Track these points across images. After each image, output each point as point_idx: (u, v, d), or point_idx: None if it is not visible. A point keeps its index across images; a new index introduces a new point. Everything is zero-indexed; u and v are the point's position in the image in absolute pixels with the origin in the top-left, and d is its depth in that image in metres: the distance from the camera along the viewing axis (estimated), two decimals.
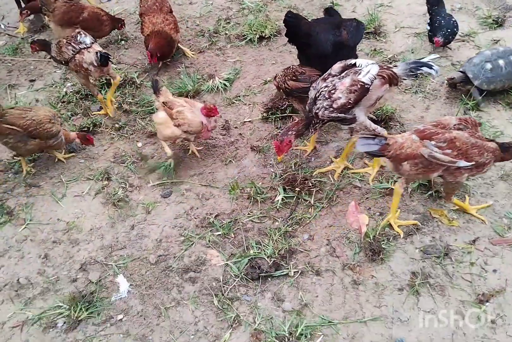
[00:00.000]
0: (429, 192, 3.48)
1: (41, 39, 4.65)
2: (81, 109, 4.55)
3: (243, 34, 5.13)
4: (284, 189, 3.62)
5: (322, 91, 3.25)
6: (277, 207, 3.56)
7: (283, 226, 3.43)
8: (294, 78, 3.76)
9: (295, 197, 3.59)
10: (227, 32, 5.24)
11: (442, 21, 4.40)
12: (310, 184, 3.63)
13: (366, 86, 3.18)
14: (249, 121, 4.27)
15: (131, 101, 4.58)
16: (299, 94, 3.76)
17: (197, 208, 3.67)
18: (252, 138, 4.12)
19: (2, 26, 5.88)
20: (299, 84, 3.74)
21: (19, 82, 5.00)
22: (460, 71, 4.08)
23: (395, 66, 3.35)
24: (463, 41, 4.66)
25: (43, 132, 3.70)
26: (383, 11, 5.12)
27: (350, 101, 3.19)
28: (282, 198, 3.57)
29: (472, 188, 3.52)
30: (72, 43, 4.17)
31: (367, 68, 3.22)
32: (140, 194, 3.82)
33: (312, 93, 3.34)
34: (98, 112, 4.51)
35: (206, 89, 4.58)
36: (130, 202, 3.76)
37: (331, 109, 3.22)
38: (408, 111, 4.11)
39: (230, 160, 3.96)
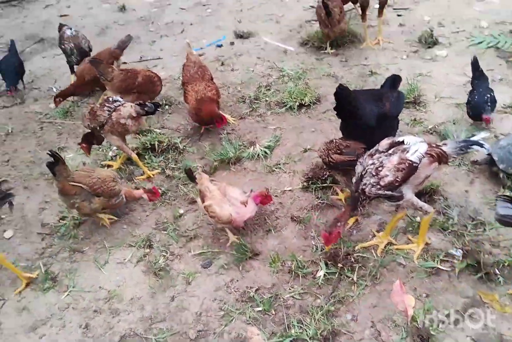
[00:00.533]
0: (479, 274, 3.36)
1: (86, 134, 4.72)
2: (126, 174, 4.70)
3: (283, 101, 5.28)
4: (326, 264, 3.57)
5: (369, 168, 3.25)
6: (319, 283, 3.49)
7: (325, 304, 3.33)
8: (338, 151, 3.78)
9: (337, 273, 3.52)
10: (267, 99, 5.41)
11: (477, 97, 4.46)
12: (353, 259, 3.57)
13: (414, 165, 3.18)
14: (290, 190, 4.30)
15: (174, 166, 4.71)
16: (344, 167, 3.76)
17: (237, 281, 3.63)
18: (292, 208, 4.13)
19: (54, 89, 6.26)
20: (344, 158, 3.74)
21: (68, 145, 5.25)
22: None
23: (444, 144, 3.35)
24: (505, 112, 4.65)
25: (107, 191, 3.90)
26: (422, 81, 5.21)
27: (397, 179, 3.18)
28: (324, 274, 3.52)
29: None
30: (106, 105, 4.42)
31: (415, 146, 3.22)
32: (181, 263, 3.82)
33: (359, 169, 3.34)
34: (141, 177, 4.64)
35: (247, 156, 4.68)
36: (171, 271, 3.76)
37: (378, 186, 3.21)
38: (451, 185, 4.07)
39: (270, 230, 3.96)
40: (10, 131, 5.53)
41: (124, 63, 6.48)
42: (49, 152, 3.84)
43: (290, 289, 3.49)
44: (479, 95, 4.44)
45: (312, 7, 6.95)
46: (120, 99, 4.46)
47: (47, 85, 6.35)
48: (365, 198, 3.32)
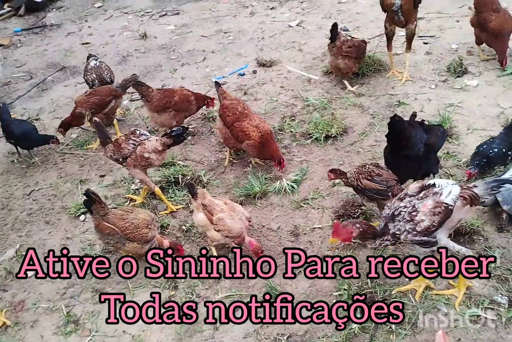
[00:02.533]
0: None
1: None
2: (148, 208, 4.57)
3: (308, 132, 5.17)
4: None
5: (402, 211, 3.11)
6: (355, 332, 3.29)
7: None
8: (369, 178, 3.72)
9: (374, 321, 3.32)
10: (292, 129, 5.30)
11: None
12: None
13: (450, 207, 3.06)
14: (319, 227, 4.14)
15: None
16: (372, 194, 3.73)
17: (267, 326, 3.45)
18: (322, 247, 3.96)
19: None
20: (374, 185, 3.70)
21: (89, 177, 5.16)
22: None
23: (475, 186, 3.21)
24: None
25: (138, 237, 3.74)
26: (453, 112, 5.06)
27: (434, 224, 3.04)
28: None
29: None
30: (132, 138, 4.33)
31: (447, 188, 3.10)
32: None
33: (386, 212, 3.21)
34: (165, 211, 4.52)
35: (273, 190, 4.54)
36: (198, 314, 3.60)
37: (415, 232, 3.06)
38: (492, 224, 3.87)
39: (300, 271, 3.79)
40: (32, 162, 5.47)
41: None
42: (85, 193, 3.80)
43: (323, 338, 3.30)
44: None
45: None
46: (147, 133, 4.39)
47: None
48: (393, 242, 3.18)
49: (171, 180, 4.77)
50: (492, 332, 3.17)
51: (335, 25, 5.61)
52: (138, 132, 4.35)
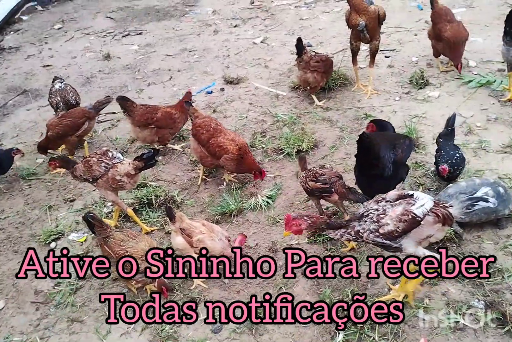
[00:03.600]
0: (506, 327, 3.21)
1: (62, 156, 4.76)
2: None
3: (280, 147, 5.20)
4: (345, 324, 3.38)
5: (371, 213, 3.18)
6: None
7: None
8: (314, 179, 3.97)
9: (358, 332, 3.33)
10: (263, 145, 5.33)
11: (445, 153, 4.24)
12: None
13: (417, 218, 3.08)
14: (296, 243, 4.14)
15: None
16: (319, 193, 3.98)
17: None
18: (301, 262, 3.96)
19: None
20: (319, 185, 3.94)
21: (58, 202, 5.02)
22: None
23: (451, 206, 3.20)
24: (505, 152, 4.65)
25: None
26: (419, 122, 5.21)
27: (398, 229, 3.08)
28: (343, 335, 3.32)
29: None
30: (104, 160, 4.25)
31: (421, 201, 3.14)
32: (189, 329, 3.58)
33: (361, 210, 3.30)
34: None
35: (248, 207, 4.53)
36: (179, 338, 3.52)
37: (377, 233, 3.11)
38: (464, 231, 3.98)
39: (281, 288, 3.77)
40: None
41: (113, 113, 6.40)
42: (83, 218, 3.81)
43: None
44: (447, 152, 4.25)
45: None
46: (120, 155, 4.32)
47: (33, 139, 6.16)
48: (356, 238, 3.20)
49: (144, 201, 4.69)
50: (472, 337, 3.22)
51: (299, 40, 5.73)
52: (110, 154, 4.27)
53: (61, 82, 5.88)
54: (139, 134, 5.33)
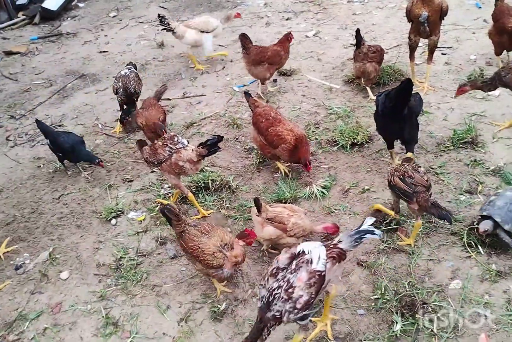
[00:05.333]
0: None
1: (143, 140, 4.88)
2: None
3: (334, 139, 5.24)
4: (402, 314, 3.42)
5: (276, 293, 2.89)
6: (397, 335, 3.33)
7: None
8: (401, 177, 3.79)
9: (416, 324, 3.36)
10: (317, 137, 5.37)
11: None
12: (430, 309, 3.43)
13: (323, 274, 2.95)
14: None
15: (228, 206, 4.64)
16: (399, 193, 3.81)
17: (309, 329, 3.49)
18: (357, 252, 4.00)
19: (100, 126, 6.29)
20: (403, 186, 3.76)
21: (117, 182, 5.20)
22: (483, 216, 3.81)
23: (340, 241, 3.11)
24: None
25: (204, 262, 3.60)
26: (478, 121, 5.16)
27: (312, 295, 2.90)
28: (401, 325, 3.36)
29: None
30: (169, 144, 4.36)
31: (315, 253, 2.99)
32: (246, 309, 3.69)
33: (262, 293, 2.96)
34: (196, 216, 4.56)
35: (303, 196, 4.59)
36: (236, 317, 3.63)
37: (296, 310, 2.87)
38: None
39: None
40: (58, 167, 5.51)
41: (168, 99, 6.56)
42: (161, 211, 3.81)
43: (365, 340, 3.34)
44: None
45: (352, 45, 7.02)
46: (185, 141, 4.41)
47: (92, 121, 6.38)
48: (276, 324, 2.96)
49: (201, 185, 4.82)
50: None
51: (358, 31, 5.78)
52: (176, 139, 4.38)
53: (129, 69, 6.05)
54: (254, 71, 6.06)
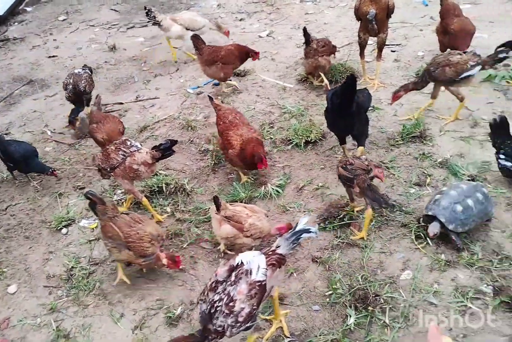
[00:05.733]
0: None
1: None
2: None
3: (288, 138, 5.25)
4: (356, 307, 3.45)
5: (218, 306, 2.81)
6: (351, 328, 3.36)
7: None
8: (343, 166, 3.99)
9: (369, 316, 3.40)
10: (271, 136, 5.38)
11: None
12: (382, 300, 3.47)
13: (263, 283, 2.89)
14: None
15: (183, 209, 4.58)
16: (344, 181, 4.02)
17: (264, 329, 3.46)
18: (312, 249, 4.02)
19: (49, 132, 6.10)
20: (344, 173, 3.95)
21: (68, 190, 5.05)
22: (428, 215, 3.88)
23: (278, 247, 3.08)
24: None
25: (138, 249, 3.63)
26: (425, 115, 5.28)
27: (254, 307, 2.85)
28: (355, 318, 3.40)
29: None
30: (122, 149, 4.27)
31: (255, 263, 2.92)
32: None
33: (203, 307, 2.89)
34: None
35: (258, 196, 4.58)
36: (192, 321, 3.58)
37: (239, 324, 2.82)
38: None
39: (292, 273, 3.84)
40: (5, 177, 5.31)
41: (121, 103, 6.44)
42: (85, 195, 3.77)
43: (320, 336, 3.35)
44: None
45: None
46: (138, 144, 4.32)
47: (41, 128, 6.18)
48: (218, 337, 2.89)
49: (154, 189, 4.74)
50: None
51: (305, 29, 5.94)
52: (129, 143, 4.29)
53: (83, 70, 5.96)
54: (208, 71, 6.06)
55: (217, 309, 2.81)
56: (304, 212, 4.40)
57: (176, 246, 4.20)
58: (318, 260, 3.89)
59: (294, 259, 3.94)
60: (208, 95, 5.15)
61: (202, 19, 7.12)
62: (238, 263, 2.94)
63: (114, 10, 9.54)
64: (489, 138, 4.85)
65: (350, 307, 3.47)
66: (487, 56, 4.88)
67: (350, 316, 3.41)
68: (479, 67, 4.80)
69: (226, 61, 5.97)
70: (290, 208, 4.45)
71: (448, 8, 5.96)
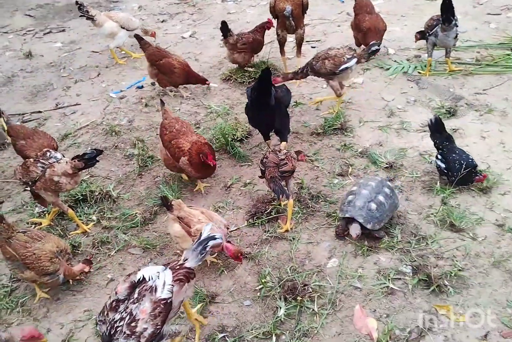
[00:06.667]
0: (431, 288, 3.48)
1: None
2: (57, 230, 4.35)
3: (215, 137, 5.25)
4: (285, 299, 3.51)
5: (118, 326, 2.63)
6: (281, 319, 3.41)
7: (291, 340, 3.27)
8: (262, 160, 4.15)
9: (298, 306, 3.48)
10: None
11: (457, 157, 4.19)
12: (311, 290, 3.56)
13: (169, 300, 2.74)
14: (236, 229, 4.22)
15: (110, 216, 4.46)
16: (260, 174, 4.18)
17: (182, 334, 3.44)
18: (241, 245, 4.04)
19: None
20: (260, 166, 4.16)
21: None
22: (345, 217, 3.91)
23: (186, 260, 2.98)
24: (424, 131, 4.99)
25: (38, 269, 3.50)
26: (345, 107, 5.47)
27: (158, 326, 2.70)
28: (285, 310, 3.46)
29: (468, 279, 3.56)
30: (41, 160, 4.11)
31: (160, 280, 2.78)
32: None
33: (102, 328, 2.71)
34: (76, 231, 4.33)
35: (186, 196, 4.56)
36: None
37: None
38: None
39: (222, 271, 3.85)
40: None
41: (39, 112, 6.18)
42: None
43: (252, 330, 3.38)
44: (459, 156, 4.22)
45: None
46: (58, 155, 4.13)
47: None
48: None
49: (79, 197, 4.59)
50: (402, 299, 3.47)
51: (223, 23, 6.11)
52: (48, 154, 4.11)
53: None
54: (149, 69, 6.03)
55: (118, 329, 2.62)
56: (233, 209, 4.42)
57: (104, 254, 4.10)
58: (247, 256, 3.92)
59: (225, 257, 3.95)
60: (161, 99, 5.00)
61: (137, 21, 7.11)
62: (140, 279, 2.79)
63: (29, 15, 9.12)
64: (404, 126, 5.14)
65: (280, 299, 3.52)
66: (361, 50, 5.25)
67: (280, 308, 3.47)
68: (355, 60, 5.07)
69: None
70: (219, 207, 4.45)
71: (361, 5, 6.20)
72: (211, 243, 2.99)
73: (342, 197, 4.16)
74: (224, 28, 6.07)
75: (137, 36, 6.20)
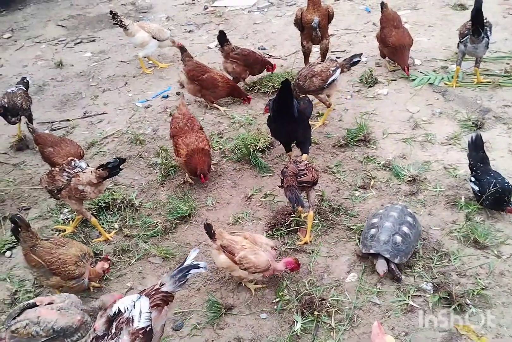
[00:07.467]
0: (452, 306, 3.39)
1: None
2: (80, 237, 4.44)
3: (237, 147, 5.28)
4: (302, 313, 3.48)
5: None
6: (298, 334, 3.38)
7: None
8: (283, 170, 4.09)
9: (315, 320, 3.44)
10: (221, 147, 5.40)
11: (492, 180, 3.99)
12: (328, 304, 3.51)
13: (148, 328, 2.70)
14: None
15: (132, 224, 4.53)
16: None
17: (213, 340, 3.46)
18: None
19: None
20: (282, 176, 4.05)
21: (13, 211, 4.88)
22: (369, 254, 3.74)
23: (162, 284, 2.96)
24: (450, 144, 4.89)
25: (64, 273, 3.59)
26: (369, 119, 5.41)
27: None
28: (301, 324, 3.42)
29: (492, 298, 3.45)
30: (66, 170, 4.21)
31: (136, 309, 2.74)
32: None
33: None
34: (98, 239, 4.42)
35: (205, 206, 4.59)
36: None
37: None
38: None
39: (240, 283, 3.83)
40: None
41: (68, 120, 6.35)
42: (11, 218, 3.62)
43: None
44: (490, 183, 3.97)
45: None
46: (82, 165, 4.24)
47: None
48: None
49: (101, 205, 4.67)
50: (421, 317, 3.39)
51: (221, 32, 6.19)
52: (73, 163, 4.21)
53: (16, 87, 5.82)
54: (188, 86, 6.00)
55: None
56: (253, 220, 4.42)
57: (124, 262, 4.15)
58: None
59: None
60: (181, 92, 5.51)
61: (168, 32, 7.25)
62: (115, 312, 2.73)
63: (61, 25, 9.42)
64: (429, 139, 5.05)
65: (297, 313, 3.50)
66: (343, 60, 5.32)
67: (297, 322, 3.44)
68: (339, 70, 5.12)
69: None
70: (239, 218, 4.46)
71: (388, 18, 6.06)
72: (193, 271, 2.94)
73: (363, 230, 3.95)
74: (222, 37, 6.17)
75: (181, 48, 6.12)
